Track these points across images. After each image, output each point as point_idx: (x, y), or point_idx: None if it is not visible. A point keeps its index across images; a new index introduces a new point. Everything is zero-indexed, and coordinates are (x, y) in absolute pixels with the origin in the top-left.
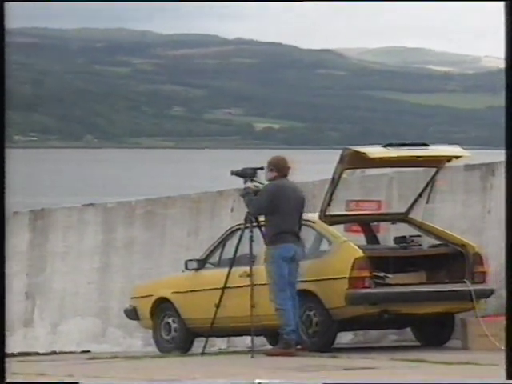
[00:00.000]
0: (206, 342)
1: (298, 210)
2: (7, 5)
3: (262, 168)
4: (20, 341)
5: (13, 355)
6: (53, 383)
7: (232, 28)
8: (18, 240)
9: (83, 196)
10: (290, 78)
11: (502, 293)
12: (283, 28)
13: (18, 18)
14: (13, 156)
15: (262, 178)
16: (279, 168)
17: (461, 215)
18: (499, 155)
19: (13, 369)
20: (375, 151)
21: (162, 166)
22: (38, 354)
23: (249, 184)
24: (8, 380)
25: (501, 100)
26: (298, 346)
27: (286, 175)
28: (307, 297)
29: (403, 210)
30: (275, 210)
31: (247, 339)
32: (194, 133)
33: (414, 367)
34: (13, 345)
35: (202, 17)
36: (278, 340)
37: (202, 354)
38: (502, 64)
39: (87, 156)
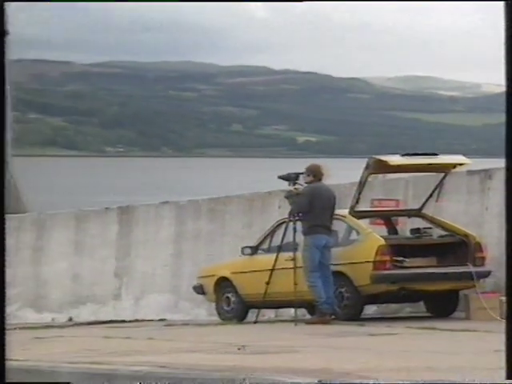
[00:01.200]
0: (258, 312)
1: (330, 207)
2: (7, 5)
3: (302, 173)
4: (110, 311)
5: (103, 322)
6: (50, 383)
7: (279, 60)
8: (109, 231)
9: (160, 195)
10: (325, 100)
11: (498, 274)
12: (320, 60)
13: (110, 50)
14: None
15: (302, 181)
16: (315, 173)
17: (464, 211)
18: (494, 163)
19: (104, 333)
20: (395, 159)
21: (222, 172)
22: (123, 321)
23: (291, 187)
24: (8, 380)
25: (495, 119)
26: (333, 317)
27: (320, 179)
28: (340, 277)
29: (417, 206)
30: (311, 208)
31: (291, 310)
32: (248, 145)
33: (423, 334)
34: (104, 314)
35: (254, 51)
36: (315, 311)
37: (255, 322)
38: (497, 89)
39: (163, 163)
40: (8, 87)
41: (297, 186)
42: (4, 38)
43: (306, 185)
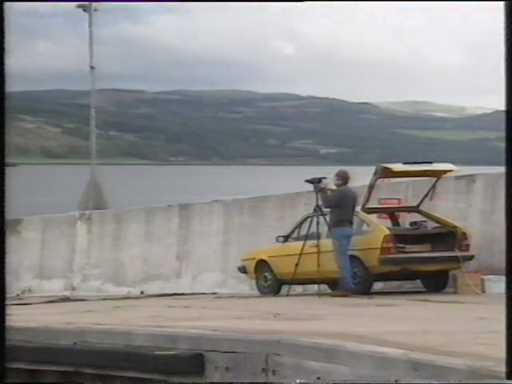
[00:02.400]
0: (289, 288)
1: (353, 205)
2: (7, 5)
3: (324, 177)
4: (173, 286)
5: (168, 295)
6: (52, 383)
7: (304, 88)
8: (171, 223)
9: (212, 195)
10: (342, 120)
11: (479, 257)
12: (337, 88)
13: (173, 81)
14: (169, 170)
15: (326, 184)
16: (343, 178)
17: (452, 208)
18: (477, 170)
19: (168, 304)
20: (397, 167)
21: (260, 177)
22: (183, 294)
23: (321, 185)
24: (8, 380)
25: (476, 135)
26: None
27: (347, 183)
28: (354, 259)
29: (415, 204)
30: (338, 205)
31: (315, 286)
32: (280, 155)
33: (420, 305)
34: (168, 289)
35: (284, 81)
36: (338, 286)
37: (287, 295)
38: (477, 111)
39: (214, 170)
40: (93, 111)
41: (329, 186)
42: (4, 38)
43: (334, 187)
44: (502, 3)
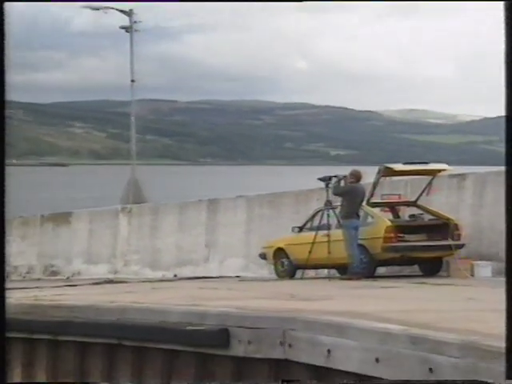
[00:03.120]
0: (303, 272)
1: (361, 200)
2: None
3: (335, 176)
4: (202, 270)
5: (198, 278)
6: (54, 383)
7: (317, 98)
8: (201, 215)
9: (236, 191)
10: (350, 126)
11: (469, 245)
12: (347, 98)
13: (203, 92)
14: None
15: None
16: (356, 176)
17: (445, 203)
18: (467, 169)
19: (198, 285)
20: (398, 166)
21: (278, 176)
22: (211, 277)
23: (335, 180)
24: (9, 381)
25: (466, 139)
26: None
27: (359, 180)
28: (360, 247)
29: (413, 199)
30: (348, 199)
31: (325, 271)
32: (296, 157)
33: (418, 286)
34: (198, 273)
35: (300, 92)
36: (347, 271)
37: (302, 278)
38: (467, 118)
39: (238, 169)
40: (133, 118)
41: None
42: (4, 38)
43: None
44: (502, 3)
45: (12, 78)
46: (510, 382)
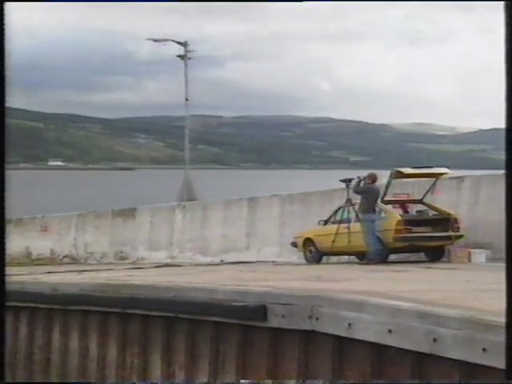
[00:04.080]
0: (328, 258)
1: (377, 198)
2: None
3: (353, 178)
4: (243, 256)
5: (240, 262)
6: (53, 383)
7: (338, 113)
8: (242, 211)
9: (271, 190)
10: (366, 136)
11: (467, 236)
12: (363, 113)
13: (244, 109)
14: (240, 174)
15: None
16: (372, 178)
17: (446, 200)
18: (465, 173)
19: (240, 269)
20: (407, 170)
21: (306, 178)
22: (251, 262)
23: (355, 182)
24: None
25: (465, 147)
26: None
27: (374, 182)
28: (375, 238)
29: (420, 198)
30: (365, 198)
31: (346, 257)
32: (321, 162)
33: (423, 270)
34: (240, 258)
35: (324, 108)
36: (365, 257)
37: (326, 263)
38: (465, 130)
39: (272, 173)
40: (187, 131)
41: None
42: (4, 39)
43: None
44: (502, 3)
45: (90, 98)
46: (510, 382)
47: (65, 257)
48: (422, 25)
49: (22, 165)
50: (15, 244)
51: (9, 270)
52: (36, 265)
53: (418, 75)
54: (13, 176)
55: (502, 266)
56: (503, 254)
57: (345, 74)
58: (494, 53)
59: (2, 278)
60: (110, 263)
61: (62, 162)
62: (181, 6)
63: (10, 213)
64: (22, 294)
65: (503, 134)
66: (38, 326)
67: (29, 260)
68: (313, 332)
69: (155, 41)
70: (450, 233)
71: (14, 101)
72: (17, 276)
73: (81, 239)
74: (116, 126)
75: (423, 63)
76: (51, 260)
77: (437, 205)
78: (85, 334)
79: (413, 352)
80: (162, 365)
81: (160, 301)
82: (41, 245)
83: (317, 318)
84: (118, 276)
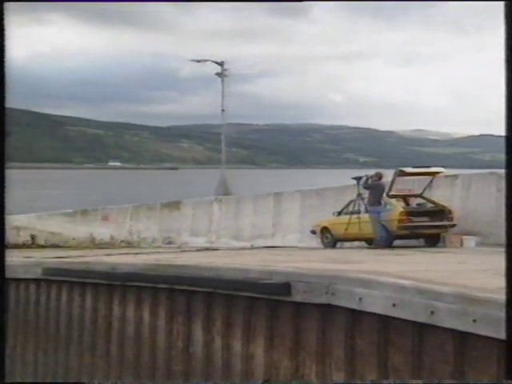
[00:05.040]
0: (341, 243)
1: (382, 193)
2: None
3: (363, 176)
4: (270, 242)
5: (267, 247)
6: (52, 383)
7: (351, 121)
8: (269, 204)
9: (294, 187)
10: (374, 141)
11: (459, 225)
12: (372, 121)
13: (272, 118)
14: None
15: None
16: (379, 176)
17: (441, 195)
18: (458, 171)
19: (267, 252)
20: (408, 169)
21: (323, 176)
22: (276, 247)
23: (364, 179)
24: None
25: (458, 150)
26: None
27: (381, 179)
28: (382, 226)
29: (419, 192)
30: (373, 192)
31: (357, 243)
32: (336, 162)
33: (423, 254)
34: (267, 244)
35: (338, 117)
36: (373, 243)
37: (340, 248)
38: (457, 135)
39: (296, 172)
40: (223, 136)
41: (365, 180)
42: (4, 39)
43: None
44: (502, 3)
45: (141, 109)
46: (510, 382)
47: (122, 241)
48: (421, 47)
49: (86, 165)
50: (81, 230)
51: (76, 252)
52: (98, 248)
53: (417, 89)
54: (80, 175)
55: (489, 249)
56: (490, 240)
57: (355, 88)
58: (483, 71)
59: (2, 274)
60: (159, 247)
61: (120, 162)
62: (218, 32)
63: (79, 204)
64: (88, 272)
65: (490, 139)
66: (101, 299)
67: (92, 244)
68: (329, 305)
69: (197, 61)
70: (445, 222)
71: (79, 112)
72: (83, 257)
73: (135, 227)
74: (163, 132)
75: (422, 79)
76: (111, 244)
77: (434, 198)
78: (139, 305)
79: (413, 322)
80: (202, 332)
81: (201, 279)
82: (102, 231)
83: (332, 294)
84: (166, 257)
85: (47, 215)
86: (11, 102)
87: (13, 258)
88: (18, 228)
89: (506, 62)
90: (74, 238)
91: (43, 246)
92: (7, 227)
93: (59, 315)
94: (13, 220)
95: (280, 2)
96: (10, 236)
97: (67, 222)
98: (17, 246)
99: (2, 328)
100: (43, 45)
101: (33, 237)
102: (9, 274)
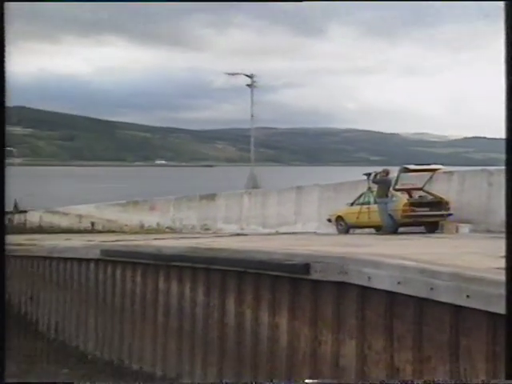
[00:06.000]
0: (353, 230)
1: (389, 186)
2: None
3: (373, 172)
4: (292, 228)
5: (289, 233)
6: (51, 383)
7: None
8: (291, 196)
9: (313, 181)
10: (382, 142)
11: (455, 214)
12: (380, 125)
13: (293, 122)
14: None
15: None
16: (387, 172)
17: (440, 189)
18: (454, 168)
19: (290, 238)
20: (411, 166)
21: (339, 173)
22: (298, 233)
23: (373, 175)
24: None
25: (454, 150)
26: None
27: (388, 175)
28: (388, 215)
29: (421, 186)
30: (381, 186)
31: (366, 230)
32: (350, 161)
33: (424, 239)
34: (290, 230)
35: (351, 122)
36: (381, 230)
37: (352, 233)
38: (453, 137)
39: (314, 169)
40: (252, 139)
41: (374, 176)
42: (4, 38)
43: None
44: (502, 3)
45: (181, 115)
46: (510, 382)
47: (166, 228)
48: (421, 61)
49: (137, 163)
50: (133, 218)
51: (129, 237)
52: (147, 233)
53: (418, 98)
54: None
55: (481, 235)
56: (481, 227)
57: (365, 97)
58: (475, 83)
59: (2, 275)
60: (198, 232)
61: (165, 161)
62: (248, 49)
63: (133, 195)
64: (138, 254)
65: (482, 140)
66: (149, 276)
67: (142, 230)
68: (343, 283)
69: (230, 74)
70: (443, 212)
71: (131, 118)
72: (133, 241)
73: (177, 215)
74: (201, 135)
75: (422, 89)
76: (157, 230)
77: (433, 192)
78: (181, 282)
79: (415, 297)
80: (234, 305)
81: (234, 259)
82: (150, 219)
83: (345, 273)
84: (204, 242)
85: (104, 205)
86: (76, 110)
87: (76, 241)
88: (80, 216)
89: (505, 63)
90: (126, 225)
91: (101, 232)
92: (71, 215)
93: (114, 289)
94: (76, 209)
95: (301, 24)
96: (74, 223)
97: (121, 211)
98: (79, 231)
99: (2, 328)
100: (103, 62)
101: (92, 223)
102: (73, 255)
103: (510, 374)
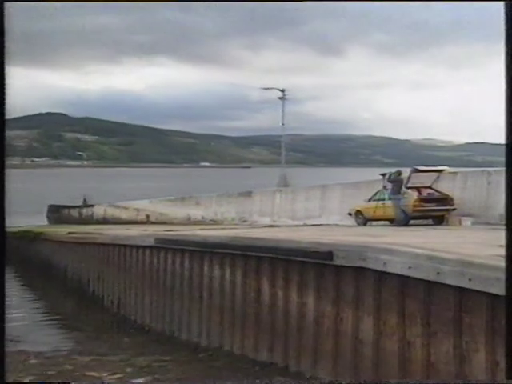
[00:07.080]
0: (370, 223)
1: (401, 185)
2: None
3: (388, 173)
4: (317, 221)
5: (314, 225)
6: (51, 383)
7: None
8: (316, 193)
9: (336, 180)
10: (394, 147)
11: (458, 209)
12: (392, 132)
13: (317, 129)
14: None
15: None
16: (399, 173)
17: (445, 187)
18: (457, 169)
19: (314, 229)
20: (421, 167)
21: (356, 173)
22: (322, 224)
23: (388, 175)
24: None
25: (455, 153)
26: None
27: (400, 175)
28: (401, 210)
29: (429, 184)
30: (395, 185)
31: (381, 223)
32: (367, 163)
33: (432, 231)
34: (316, 222)
35: (367, 129)
36: (394, 222)
37: (370, 225)
38: (455, 143)
39: (337, 170)
40: (283, 143)
41: (389, 176)
42: (4, 38)
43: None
44: (502, 3)
45: (221, 124)
46: (510, 382)
47: (210, 220)
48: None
49: (184, 165)
50: (181, 212)
51: (178, 228)
52: (193, 225)
53: (427, 108)
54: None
55: (481, 227)
56: (481, 220)
57: (379, 108)
58: (475, 96)
59: (2, 275)
60: (237, 224)
61: (208, 163)
62: (278, 67)
63: (181, 192)
64: (186, 242)
65: (482, 145)
66: (195, 261)
67: (189, 222)
68: (362, 268)
69: (264, 89)
70: (448, 207)
71: (179, 126)
72: (182, 231)
73: (219, 210)
74: (239, 141)
75: (429, 100)
76: (202, 222)
77: (440, 189)
78: (222, 267)
79: (424, 280)
80: (268, 286)
81: (267, 247)
82: (195, 213)
83: (364, 259)
84: (241, 232)
85: (157, 200)
86: (133, 120)
87: (134, 231)
88: (137, 210)
89: (505, 61)
90: (175, 217)
91: (154, 223)
92: (130, 209)
93: (166, 272)
94: (134, 204)
95: (323, 45)
96: (132, 215)
97: (171, 205)
98: (136, 223)
99: (1, 328)
100: (154, 79)
101: (147, 216)
102: (130, 242)
103: (510, 374)
